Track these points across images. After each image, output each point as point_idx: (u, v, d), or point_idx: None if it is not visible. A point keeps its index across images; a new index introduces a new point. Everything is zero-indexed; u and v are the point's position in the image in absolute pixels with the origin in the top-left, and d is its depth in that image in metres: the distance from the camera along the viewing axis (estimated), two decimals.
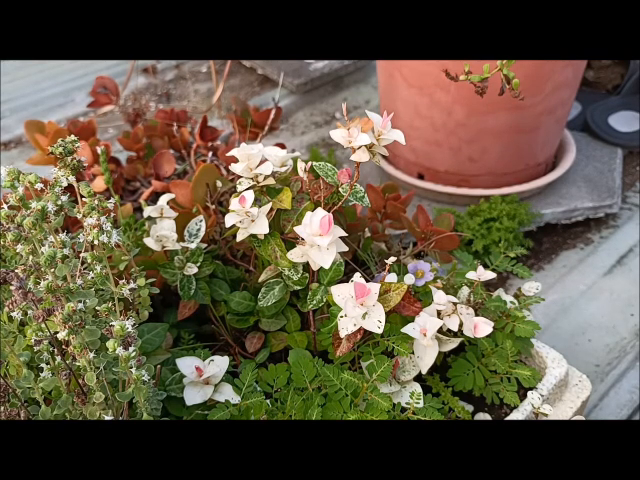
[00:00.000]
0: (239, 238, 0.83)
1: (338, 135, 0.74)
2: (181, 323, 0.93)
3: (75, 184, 0.67)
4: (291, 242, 0.82)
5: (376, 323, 0.72)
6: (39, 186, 0.63)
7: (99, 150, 1.02)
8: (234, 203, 0.81)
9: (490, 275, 0.87)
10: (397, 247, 1.05)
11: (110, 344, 0.59)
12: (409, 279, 0.86)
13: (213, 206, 1.00)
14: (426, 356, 0.80)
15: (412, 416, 0.76)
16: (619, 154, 1.63)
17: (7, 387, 0.64)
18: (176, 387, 0.79)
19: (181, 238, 0.92)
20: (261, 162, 0.82)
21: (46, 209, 0.62)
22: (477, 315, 0.86)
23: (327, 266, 0.77)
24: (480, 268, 0.88)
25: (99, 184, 1.11)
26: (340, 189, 0.81)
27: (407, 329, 0.77)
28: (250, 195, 0.80)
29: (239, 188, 0.82)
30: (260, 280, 0.85)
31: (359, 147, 0.73)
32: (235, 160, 0.82)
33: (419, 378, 0.83)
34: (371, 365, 0.76)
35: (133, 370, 0.61)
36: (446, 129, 1.35)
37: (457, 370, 0.86)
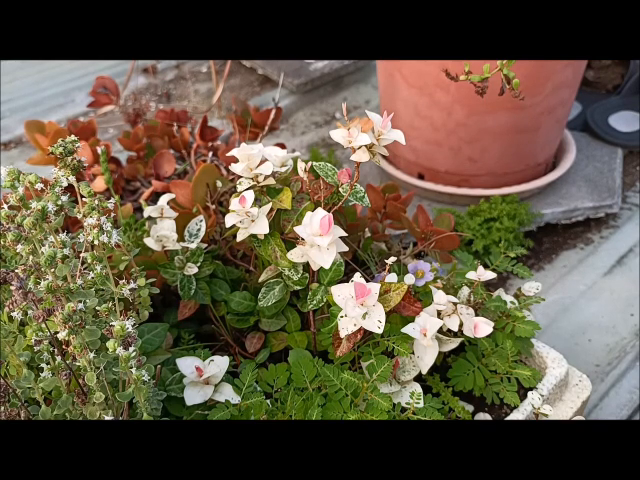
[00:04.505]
0: (239, 238, 0.83)
1: (338, 135, 0.74)
2: (181, 323, 0.93)
3: (75, 184, 0.67)
4: (291, 242, 0.82)
5: (376, 323, 0.72)
6: (39, 186, 0.63)
7: (99, 150, 1.02)
8: (234, 203, 0.81)
9: (490, 275, 0.87)
10: (397, 247, 1.05)
11: (110, 344, 0.59)
12: (409, 279, 0.86)
13: (213, 206, 1.00)
14: (426, 356, 0.80)
15: (412, 416, 0.76)
16: (619, 154, 1.63)
17: (7, 387, 0.64)
18: (176, 387, 0.79)
19: (181, 238, 0.92)
20: (261, 162, 0.82)
21: (46, 209, 0.62)
22: (477, 315, 0.86)
23: (327, 266, 0.76)
24: (480, 268, 0.88)
25: (99, 184, 1.11)
26: (340, 189, 0.81)
27: (407, 329, 0.77)
28: (250, 195, 0.80)
29: (239, 188, 0.82)
30: (260, 280, 0.85)
31: (359, 147, 0.73)
32: (235, 160, 0.82)
33: (419, 378, 0.83)
34: (371, 365, 0.76)
35: (133, 370, 0.61)
36: (446, 129, 1.35)
37: (457, 370, 0.86)
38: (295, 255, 0.81)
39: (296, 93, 2.02)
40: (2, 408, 0.64)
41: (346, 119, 0.75)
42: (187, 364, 0.79)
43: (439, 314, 0.83)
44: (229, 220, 0.82)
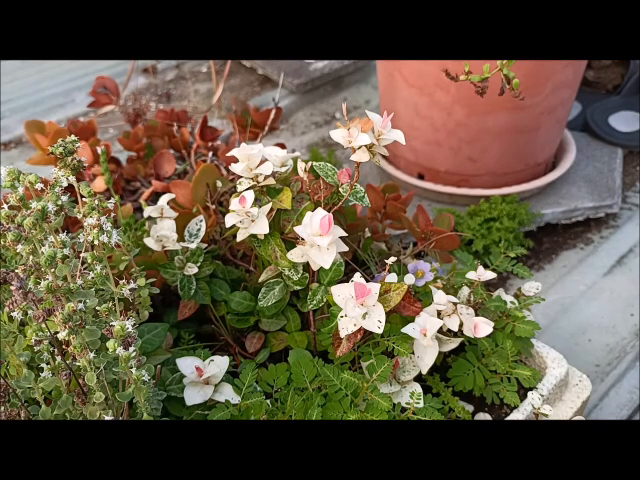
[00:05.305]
0: (239, 238, 0.83)
1: (338, 135, 0.74)
2: (181, 323, 0.93)
3: (75, 184, 0.67)
4: (291, 242, 0.82)
5: (376, 323, 0.72)
6: (39, 186, 0.63)
7: (99, 150, 1.02)
8: (234, 203, 0.81)
9: (490, 275, 0.87)
10: (397, 247, 1.05)
11: (110, 344, 0.59)
12: (409, 279, 0.86)
13: (213, 206, 1.00)
14: (426, 356, 0.80)
15: (412, 416, 0.76)
16: (619, 154, 1.63)
17: (7, 387, 0.64)
18: (176, 387, 0.79)
19: (181, 238, 0.92)
20: (261, 162, 0.82)
21: (46, 209, 0.62)
22: (477, 315, 0.86)
23: (327, 266, 0.76)
24: (480, 268, 0.88)
25: (99, 184, 1.11)
26: (340, 189, 0.81)
27: (407, 329, 0.77)
28: (250, 195, 0.80)
29: (239, 188, 0.82)
30: (260, 280, 0.85)
31: (359, 147, 0.73)
32: (235, 160, 0.82)
33: (419, 378, 0.83)
34: (371, 365, 0.76)
35: (133, 370, 0.61)
36: (446, 129, 1.35)
37: (457, 370, 0.86)
38: (295, 255, 0.81)
39: (296, 93, 2.02)
40: (2, 408, 0.64)
41: (346, 119, 0.75)
42: (187, 364, 0.79)
43: (439, 314, 0.83)
44: (229, 220, 0.82)
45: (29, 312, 0.61)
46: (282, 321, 0.89)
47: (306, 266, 0.83)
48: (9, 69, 2.30)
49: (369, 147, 0.74)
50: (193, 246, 0.90)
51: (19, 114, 2.04)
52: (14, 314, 0.60)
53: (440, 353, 0.83)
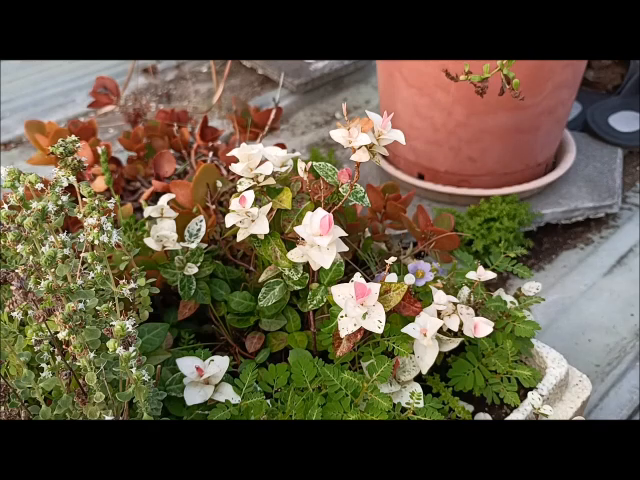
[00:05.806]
0: (239, 238, 0.83)
1: (338, 135, 0.74)
2: (181, 323, 0.93)
3: (75, 184, 0.67)
4: (291, 242, 0.82)
5: (376, 323, 0.72)
6: (39, 186, 0.63)
7: (100, 150, 1.02)
8: (234, 203, 0.81)
9: (490, 275, 0.87)
10: (397, 247, 1.05)
11: (110, 344, 0.59)
12: (409, 279, 0.86)
13: (213, 206, 1.00)
14: (426, 356, 0.80)
15: (412, 416, 0.76)
16: (619, 154, 1.63)
17: (7, 387, 0.64)
18: (176, 387, 0.79)
19: (181, 238, 0.92)
20: (261, 162, 0.82)
21: (46, 209, 0.62)
22: (477, 315, 0.86)
23: (327, 266, 0.76)
24: (480, 268, 0.88)
25: (99, 184, 1.11)
26: (340, 189, 0.81)
27: (407, 329, 0.77)
28: (250, 195, 0.80)
29: (239, 188, 0.83)
30: (260, 280, 0.85)
31: (359, 147, 0.73)
32: (235, 160, 0.82)
33: (419, 378, 0.83)
34: (371, 365, 0.76)
35: (133, 370, 0.61)
36: (446, 129, 1.35)
37: (457, 370, 0.86)
38: (295, 255, 0.81)
39: (296, 93, 2.02)
40: (2, 408, 0.64)
41: (346, 119, 0.75)
42: (187, 364, 0.79)
43: (439, 314, 0.83)
44: (229, 220, 0.82)
45: (29, 312, 0.61)
46: (282, 321, 0.89)
47: (306, 266, 0.83)
48: (9, 69, 2.30)
49: (369, 147, 0.74)
50: (193, 246, 0.90)
51: (19, 114, 2.04)
52: (14, 314, 0.60)
53: (440, 353, 0.83)
